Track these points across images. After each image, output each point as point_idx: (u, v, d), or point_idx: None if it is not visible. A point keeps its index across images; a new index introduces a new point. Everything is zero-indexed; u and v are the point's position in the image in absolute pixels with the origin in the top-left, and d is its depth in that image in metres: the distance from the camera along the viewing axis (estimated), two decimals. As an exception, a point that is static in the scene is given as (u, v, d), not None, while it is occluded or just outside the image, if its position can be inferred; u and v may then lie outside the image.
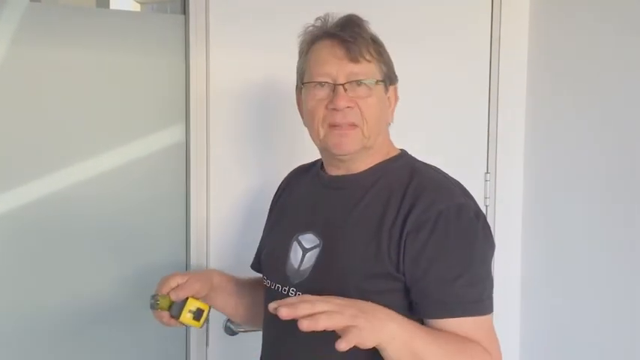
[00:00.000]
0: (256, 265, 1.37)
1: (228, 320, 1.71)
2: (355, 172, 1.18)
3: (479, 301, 1.07)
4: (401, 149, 1.24)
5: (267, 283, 1.23)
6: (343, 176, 1.19)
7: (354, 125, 1.13)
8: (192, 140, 1.68)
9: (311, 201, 1.23)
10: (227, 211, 1.70)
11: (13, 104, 1.59)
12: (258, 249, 1.39)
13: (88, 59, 1.63)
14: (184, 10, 1.69)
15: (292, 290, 1.15)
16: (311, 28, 1.19)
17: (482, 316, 1.07)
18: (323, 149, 1.20)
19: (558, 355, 1.84)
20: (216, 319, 1.72)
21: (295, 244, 1.18)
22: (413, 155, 1.23)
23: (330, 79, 1.13)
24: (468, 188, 1.96)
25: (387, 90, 1.18)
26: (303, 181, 1.31)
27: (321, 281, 1.12)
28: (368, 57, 1.13)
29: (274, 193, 1.40)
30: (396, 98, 1.23)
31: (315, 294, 1.00)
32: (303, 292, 1.10)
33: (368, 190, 1.15)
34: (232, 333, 1.70)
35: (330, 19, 1.16)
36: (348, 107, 1.12)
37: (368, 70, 1.14)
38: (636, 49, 1.57)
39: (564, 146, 1.80)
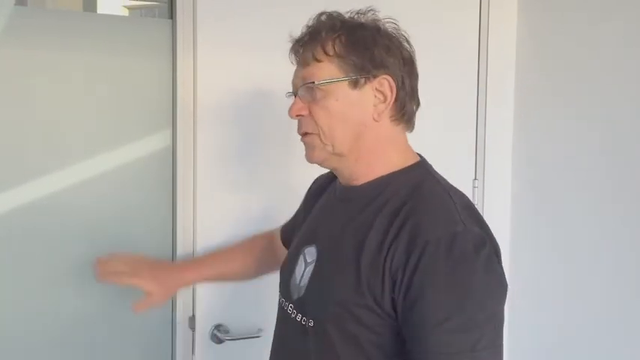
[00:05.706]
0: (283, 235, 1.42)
1: (215, 328, 1.69)
2: (356, 184, 1.06)
3: (469, 351, 0.87)
4: (420, 157, 1.11)
5: (279, 295, 1.16)
6: (350, 187, 1.07)
7: (306, 133, 1.05)
8: (179, 145, 1.68)
9: (321, 213, 1.17)
10: (213, 216, 1.69)
11: (-2, 108, 1.57)
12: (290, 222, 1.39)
13: (75, 64, 1.62)
14: (172, 14, 1.69)
15: (291, 307, 1.08)
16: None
17: None
18: None
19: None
20: (203, 328, 1.70)
21: (301, 257, 1.10)
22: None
23: (294, 89, 1.07)
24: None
25: (356, 85, 1.01)
26: (326, 191, 1.21)
27: (309, 302, 1.04)
28: (319, 56, 1.00)
29: (312, 190, 1.32)
30: (387, 93, 1.04)
31: (305, 315, 1.02)
32: (298, 312, 1.05)
33: (365, 207, 1.01)
34: (219, 341, 1.68)
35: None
36: (299, 116, 1.04)
37: (319, 70, 1.00)
38: (625, 50, 1.58)
39: (552, 152, 1.81)
